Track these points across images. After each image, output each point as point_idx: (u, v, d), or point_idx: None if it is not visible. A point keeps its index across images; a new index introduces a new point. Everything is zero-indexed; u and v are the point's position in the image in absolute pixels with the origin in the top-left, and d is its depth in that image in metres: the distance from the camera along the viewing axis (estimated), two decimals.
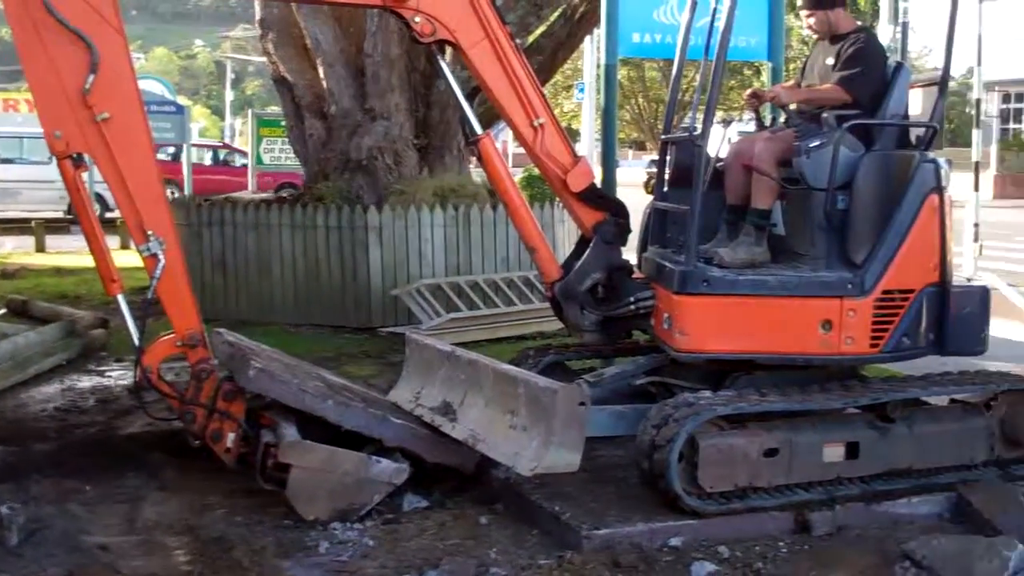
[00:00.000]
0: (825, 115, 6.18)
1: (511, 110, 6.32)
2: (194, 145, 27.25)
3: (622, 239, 6.52)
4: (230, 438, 5.99)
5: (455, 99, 6.58)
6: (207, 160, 31.40)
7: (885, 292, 6.03)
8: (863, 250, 6.04)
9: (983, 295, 6.38)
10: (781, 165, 6.25)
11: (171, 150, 28.01)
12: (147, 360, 5.94)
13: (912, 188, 6.07)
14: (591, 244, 6.42)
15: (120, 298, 6.00)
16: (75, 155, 5.78)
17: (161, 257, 5.84)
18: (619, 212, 6.52)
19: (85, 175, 6.09)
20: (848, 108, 6.25)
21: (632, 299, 6.30)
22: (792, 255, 6.37)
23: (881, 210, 6.08)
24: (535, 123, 6.31)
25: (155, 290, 5.88)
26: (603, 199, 6.57)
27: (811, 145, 6.07)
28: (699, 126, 6.11)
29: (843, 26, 6.56)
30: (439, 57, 6.42)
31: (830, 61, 6.49)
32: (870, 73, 6.33)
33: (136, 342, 5.95)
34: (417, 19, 6.10)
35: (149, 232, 5.82)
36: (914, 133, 6.45)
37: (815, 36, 6.81)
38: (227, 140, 53.63)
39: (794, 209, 6.42)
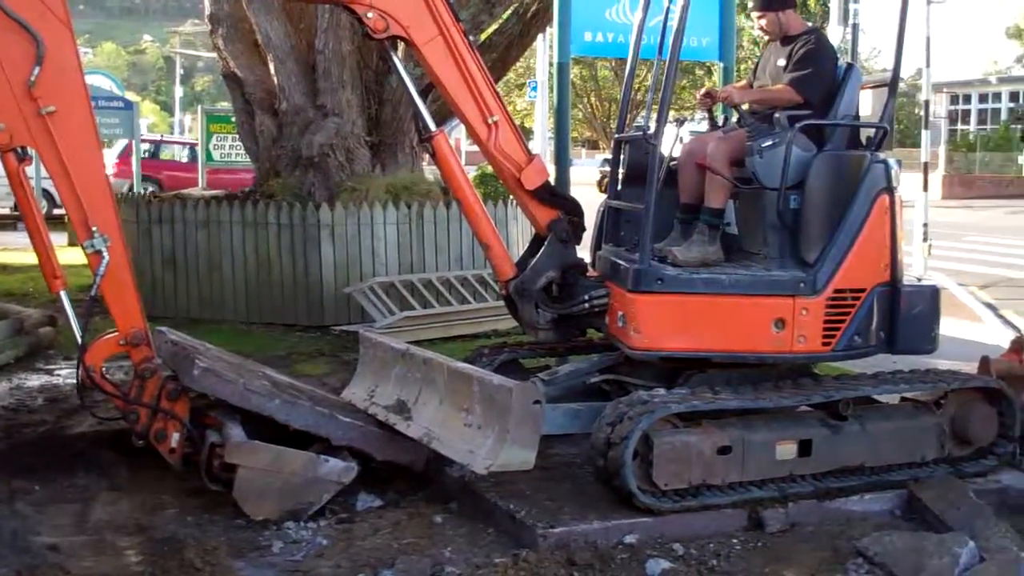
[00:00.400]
0: (777, 115, 6.20)
1: (465, 107, 6.29)
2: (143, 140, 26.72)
3: (576, 237, 6.52)
4: (175, 438, 5.94)
5: (408, 96, 6.55)
6: (184, 157, 30.67)
7: (837, 291, 6.08)
8: (815, 249, 6.08)
9: (933, 294, 6.45)
10: (734, 165, 6.28)
11: (145, 147, 27.63)
12: (90, 359, 5.88)
13: (863, 188, 6.12)
14: (545, 242, 6.42)
15: (63, 295, 5.94)
16: (19, 148, 5.71)
17: (105, 254, 5.77)
18: (573, 210, 6.52)
19: (31, 169, 6.02)
20: (800, 109, 6.28)
21: (586, 297, 6.29)
22: (745, 254, 6.40)
23: (833, 210, 6.13)
24: (489, 120, 6.29)
25: (99, 287, 5.80)
26: (557, 197, 6.57)
27: (763, 145, 6.09)
28: (652, 125, 6.13)
29: (794, 27, 6.61)
30: (392, 53, 6.38)
31: (781, 62, 6.52)
32: (821, 74, 6.37)
33: (79, 340, 5.88)
34: (370, 15, 6.07)
35: (94, 228, 5.76)
36: (864, 134, 6.50)
37: (766, 37, 6.84)
38: (174, 136, 53.08)
39: (747, 208, 6.46)
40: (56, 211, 24.43)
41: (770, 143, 6.10)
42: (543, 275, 6.39)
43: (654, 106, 6.37)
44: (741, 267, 6.19)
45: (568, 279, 6.41)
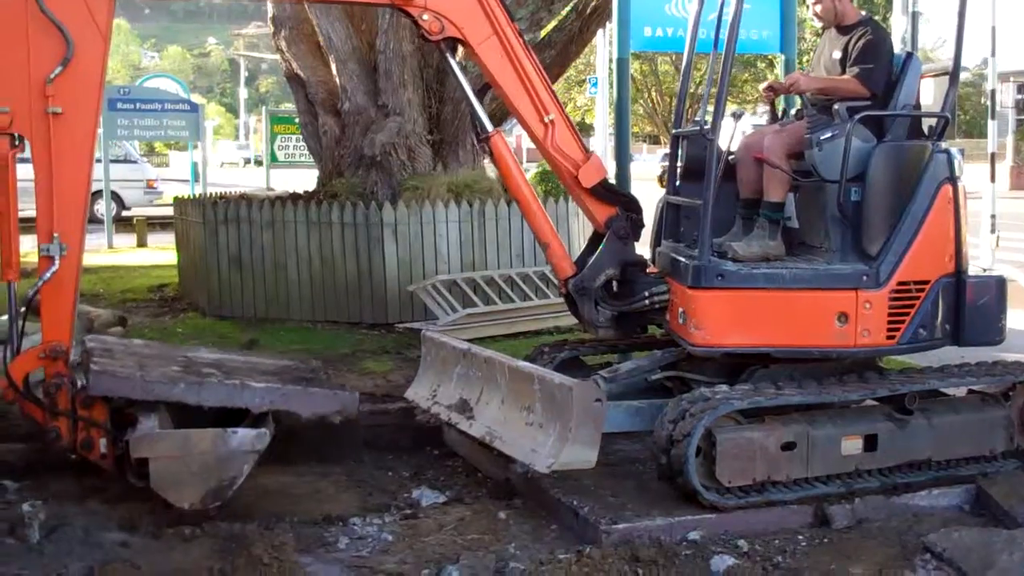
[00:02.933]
0: (836, 107, 6.16)
1: (521, 106, 6.31)
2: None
3: (635, 234, 6.50)
4: (101, 444, 5.84)
5: (464, 96, 6.56)
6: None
7: (900, 284, 6.02)
8: (878, 242, 6.04)
9: (1000, 285, 6.37)
10: (792, 158, 6.24)
11: None
12: (13, 370, 5.76)
13: (925, 178, 6.06)
14: (604, 240, 6.42)
15: (11, 287, 5.82)
16: (15, 135, 5.66)
17: (56, 261, 5.68)
18: (631, 207, 6.50)
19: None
20: (863, 101, 6.23)
21: (647, 294, 6.28)
22: (806, 248, 6.36)
23: (895, 201, 6.08)
24: (546, 119, 6.30)
25: (38, 290, 5.70)
26: (615, 194, 6.55)
27: (822, 137, 6.04)
28: (710, 120, 6.10)
29: (849, 16, 6.55)
30: (449, 55, 6.38)
31: (836, 54, 6.47)
32: (883, 66, 6.32)
33: (12, 344, 5.82)
34: (425, 16, 6.11)
35: (56, 234, 5.68)
36: (926, 124, 6.43)
37: (820, 24, 6.78)
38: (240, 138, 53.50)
39: (806, 202, 6.41)
40: (124, 212, 24.84)
41: (829, 135, 6.05)
42: (602, 272, 6.38)
43: (711, 101, 6.34)
44: (803, 261, 6.15)
45: (627, 276, 6.40)
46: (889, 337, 6.04)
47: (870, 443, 5.90)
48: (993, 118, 19.07)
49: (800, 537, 5.46)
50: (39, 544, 5.26)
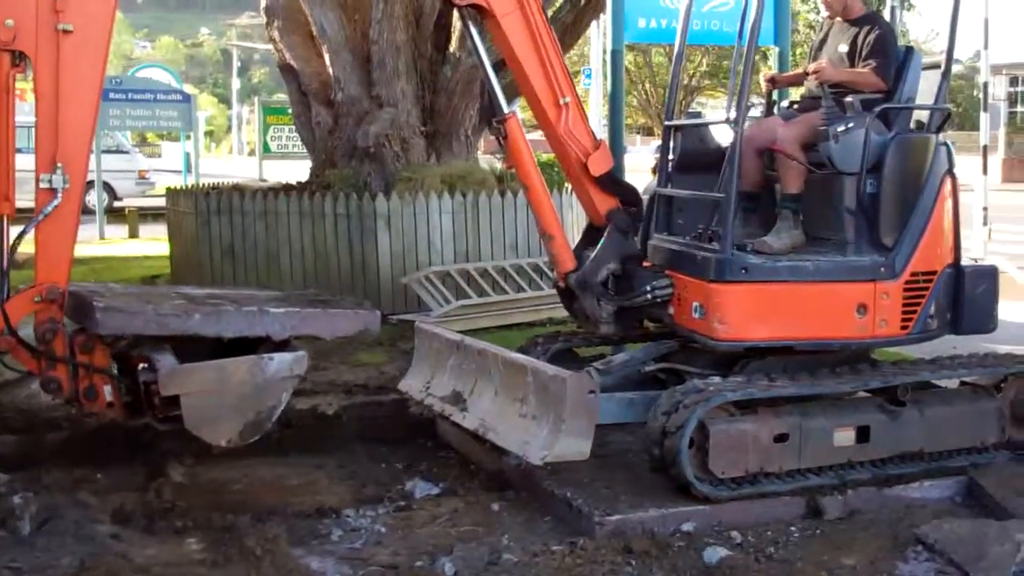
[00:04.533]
0: (850, 99, 6.18)
1: (538, 86, 6.14)
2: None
3: (635, 228, 6.47)
4: (106, 391, 5.49)
5: (482, 71, 6.35)
6: None
7: (913, 274, 6.10)
8: (893, 233, 6.09)
9: (993, 274, 6.44)
10: (804, 149, 6.23)
11: None
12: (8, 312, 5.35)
13: (933, 171, 6.13)
14: (606, 233, 6.31)
15: (4, 221, 5.50)
16: (17, 52, 5.31)
17: (59, 195, 5.36)
18: (632, 200, 6.44)
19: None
20: (878, 94, 6.28)
21: (648, 288, 6.18)
22: (813, 240, 6.32)
23: (908, 193, 6.14)
24: (561, 101, 6.16)
25: (36, 226, 5.36)
26: (620, 185, 6.47)
27: (839, 129, 6.05)
28: (726, 112, 6.06)
29: (855, 10, 6.57)
30: (471, 23, 6.17)
31: (843, 48, 6.46)
32: (894, 60, 6.37)
33: (3, 280, 5.48)
34: None
35: (59, 164, 5.36)
36: (916, 116, 6.48)
37: (825, 15, 6.78)
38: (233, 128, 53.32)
39: (815, 193, 6.36)
40: (116, 203, 24.82)
41: (844, 128, 6.05)
42: (604, 267, 6.26)
43: (715, 91, 6.33)
44: (820, 253, 6.15)
45: (626, 270, 6.31)
46: (903, 327, 6.10)
47: (862, 435, 5.91)
48: (985, 111, 19.09)
49: (793, 528, 5.46)
50: (30, 536, 5.24)
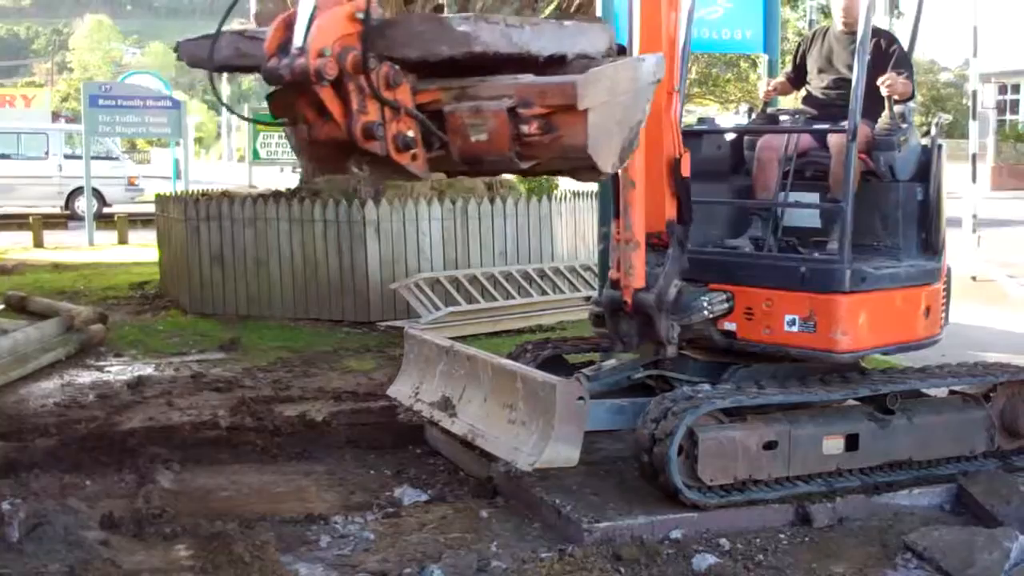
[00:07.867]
0: (900, 108, 6.31)
1: None
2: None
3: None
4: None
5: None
6: None
7: (946, 275, 6.44)
8: (940, 237, 6.34)
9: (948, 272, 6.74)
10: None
11: None
12: (320, 40, 4.20)
13: (944, 175, 6.39)
14: (670, 247, 5.95)
15: None
16: None
17: None
18: (687, 216, 6.03)
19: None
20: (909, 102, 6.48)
21: (705, 303, 6.03)
22: (855, 247, 6.24)
23: (941, 196, 6.40)
24: (675, 88, 5.88)
25: None
26: (689, 198, 6.01)
27: (900, 139, 6.23)
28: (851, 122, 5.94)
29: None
30: None
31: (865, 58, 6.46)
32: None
33: None
34: None
35: None
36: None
37: (842, 27, 6.73)
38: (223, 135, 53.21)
39: (861, 201, 6.19)
40: (106, 209, 24.79)
41: (904, 137, 6.24)
42: (672, 283, 5.91)
43: (704, 99, 6.33)
44: (890, 259, 6.24)
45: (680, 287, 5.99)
46: (943, 327, 6.44)
47: (851, 443, 5.91)
48: (975, 118, 19.14)
49: (781, 536, 5.47)
50: (19, 543, 5.22)
